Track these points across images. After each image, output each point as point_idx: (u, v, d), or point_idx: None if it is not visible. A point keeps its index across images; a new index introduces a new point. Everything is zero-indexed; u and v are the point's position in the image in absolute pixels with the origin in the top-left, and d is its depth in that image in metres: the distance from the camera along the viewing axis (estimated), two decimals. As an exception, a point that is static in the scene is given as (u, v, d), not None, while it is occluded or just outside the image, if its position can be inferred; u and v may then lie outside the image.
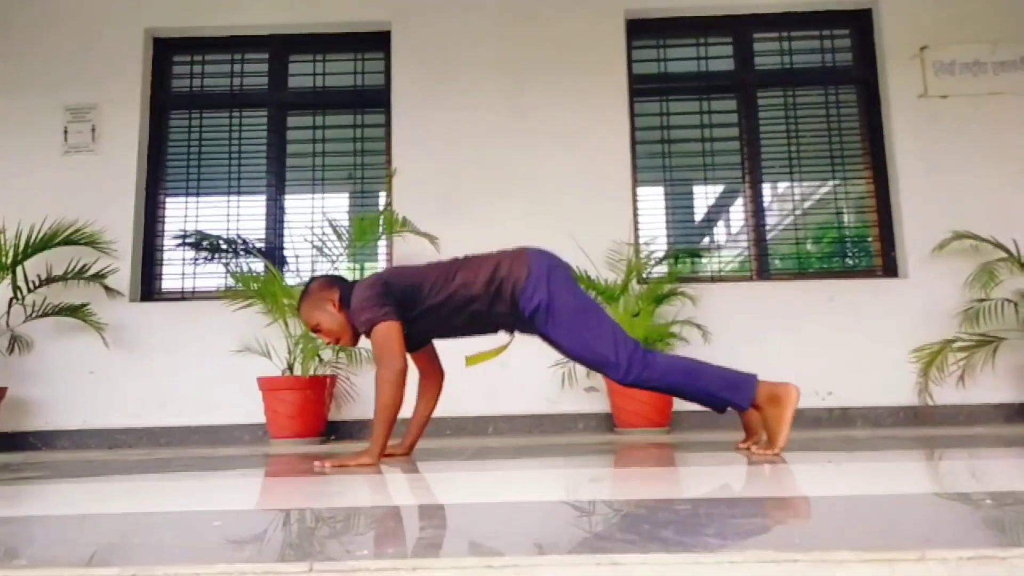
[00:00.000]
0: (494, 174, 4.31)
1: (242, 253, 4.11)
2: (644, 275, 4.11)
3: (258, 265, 4.15)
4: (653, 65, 4.62)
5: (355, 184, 4.63)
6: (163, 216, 4.52)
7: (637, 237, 4.30)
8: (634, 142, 4.42)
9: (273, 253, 4.36)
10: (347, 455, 2.34)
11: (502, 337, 2.53)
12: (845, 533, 1.07)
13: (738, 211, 4.58)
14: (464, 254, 2.48)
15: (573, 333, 2.30)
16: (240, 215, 4.52)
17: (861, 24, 4.56)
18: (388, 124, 4.48)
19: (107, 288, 4.13)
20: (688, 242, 4.57)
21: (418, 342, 2.53)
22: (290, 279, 4.16)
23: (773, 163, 4.51)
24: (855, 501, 1.41)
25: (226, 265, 4.14)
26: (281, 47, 4.66)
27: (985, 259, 4.03)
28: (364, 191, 4.64)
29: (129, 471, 2.43)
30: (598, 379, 3.92)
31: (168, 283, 4.44)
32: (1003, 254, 3.97)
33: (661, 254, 4.23)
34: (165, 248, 4.46)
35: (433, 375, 2.63)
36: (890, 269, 4.31)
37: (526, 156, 4.32)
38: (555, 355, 3.24)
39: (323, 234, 4.09)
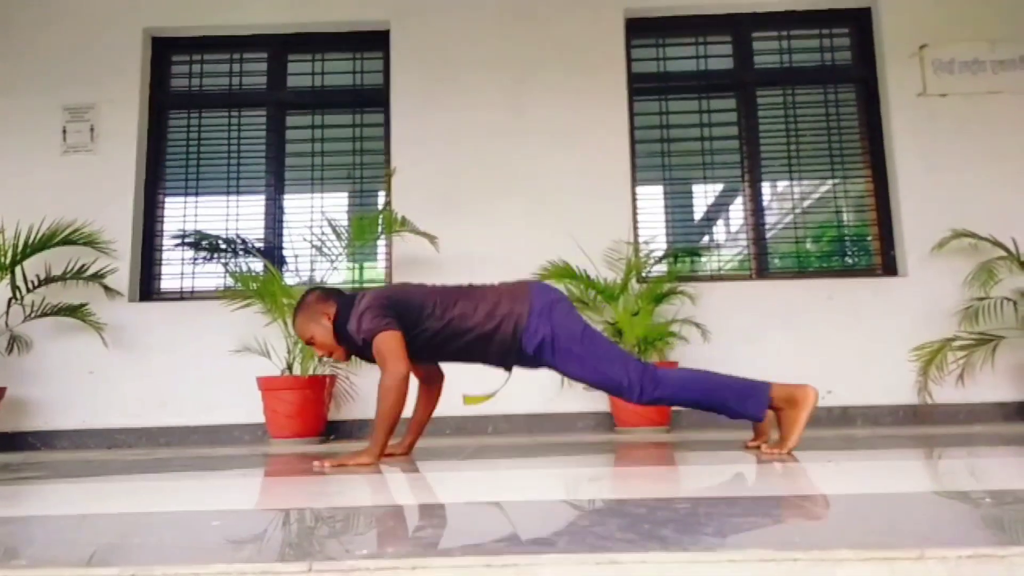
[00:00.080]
0: (493, 173, 4.31)
1: (241, 253, 4.11)
2: (643, 274, 4.11)
3: (257, 265, 4.15)
4: (652, 64, 4.62)
5: (354, 184, 4.63)
6: (162, 216, 4.52)
7: (636, 236, 4.30)
8: (633, 141, 4.42)
9: (272, 253, 4.35)
10: (346, 455, 2.34)
11: (500, 374, 2.52)
12: (844, 532, 1.07)
13: (737, 210, 4.58)
14: (468, 282, 2.50)
15: (582, 362, 2.33)
16: (239, 215, 4.52)
17: (860, 23, 4.56)
18: (387, 124, 4.48)
19: (106, 288, 4.13)
20: (687, 241, 4.57)
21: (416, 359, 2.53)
22: (289, 279, 4.16)
23: (772, 162, 4.51)
24: (854, 500, 1.41)
25: (225, 265, 4.14)
26: (280, 47, 4.66)
27: (984, 258, 4.03)
28: (363, 191, 4.64)
29: (128, 471, 2.43)
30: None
31: (167, 283, 4.44)
32: (1002, 252, 3.97)
33: (660, 253, 4.23)
34: (164, 248, 4.46)
35: (433, 378, 2.65)
36: (889, 268, 4.31)
37: (525, 155, 4.32)
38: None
39: (322, 234, 4.08)
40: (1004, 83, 4.31)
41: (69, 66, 4.45)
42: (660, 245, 4.40)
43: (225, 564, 0.86)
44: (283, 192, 4.57)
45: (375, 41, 4.60)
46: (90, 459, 3.10)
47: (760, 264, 4.41)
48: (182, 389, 4.10)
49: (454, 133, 4.36)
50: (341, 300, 2.45)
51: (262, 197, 4.55)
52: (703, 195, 4.64)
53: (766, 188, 4.54)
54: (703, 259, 4.48)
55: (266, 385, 3.77)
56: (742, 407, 2.31)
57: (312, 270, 4.23)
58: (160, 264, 4.46)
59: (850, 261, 4.55)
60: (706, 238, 4.72)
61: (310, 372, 3.84)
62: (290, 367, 3.87)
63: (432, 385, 2.64)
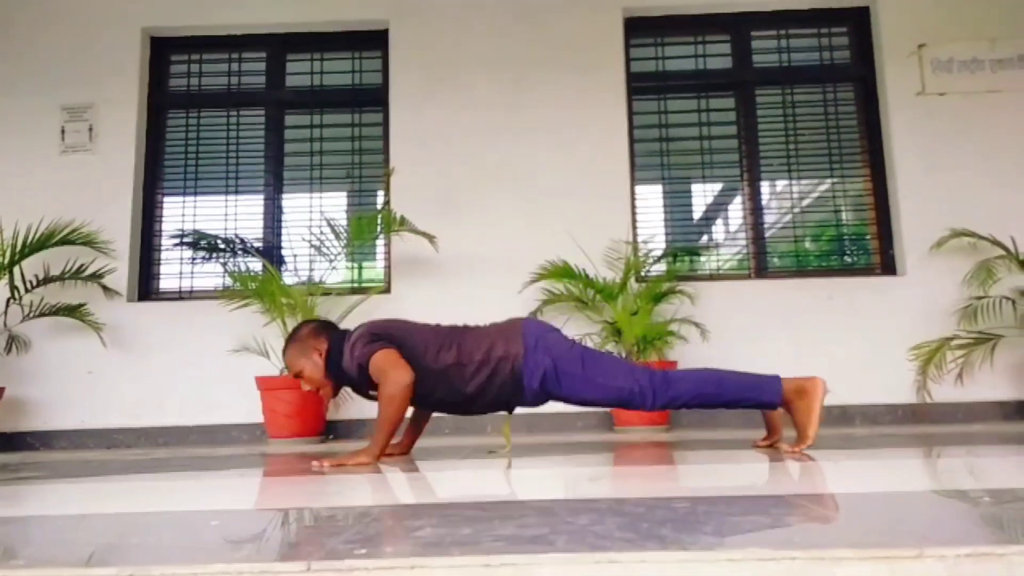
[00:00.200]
0: (492, 173, 4.31)
1: (240, 252, 4.11)
2: (642, 273, 4.11)
3: (256, 264, 4.15)
4: (651, 63, 4.62)
5: (353, 183, 4.63)
6: (161, 216, 4.51)
7: (635, 235, 4.30)
8: (632, 140, 4.42)
9: (271, 252, 4.35)
10: (345, 454, 2.34)
11: (501, 415, 2.54)
12: (843, 531, 1.07)
13: (736, 209, 4.58)
14: (463, 323, 2.50)
15: (589, 382, 2.32)
16: (238, 214, 4.52)
17: (859, 22, 4.56)
18: (386, 123, 4.48)
19: (105, 288, 4.13)
20: (686, 240, 4.57)
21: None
22: (288, 278, 4.16)
23: (771, 161, 4.52)
24: (854, 499, 1.41)
25: (224, 264, 4.13)
26: (279, 46, 4.65)
27: (983, 257, 4.03)
28: (362, 190, 4.64)
29: (127, 471, 2.43)
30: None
31: (166, 283, 4.44)
32: (1001, 252, 3.97)
33: (659, 252, 4.23)
34: (163, 248, 4.46)
35: (422, 415, 2.68)
36: (888, 267, 4.31)
37: (524, 155, 4.32)
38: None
39: (321, 233, 4.08)
40: (1003, 82, 4.31)
41: (68, 66, 4.44)
42: (659, 244, 4.40)
43: (224, 564, 0.86)
44: (282, 192, 4.57)
45: (374, 41, 4.59)
46: (89, 459, 3.10)
47: (759, 263, 4.41)
48: (181, 389, 4.09)
49: (453, 132, 4.35)
50: (334, 335, 2.44)
51: (261, 197, 4.54)
52: (702, 194, 4.64)
53: (765, 187, 4.54)
54: (702, 258, 4.47)
55: (265, 385, 3.77)
56: (759, 395, 2.28)
57: (311, 270, 4.23)
58: (159, 264, 4.46)
59: (849, 260, 4.55)
60: (705, 237, 4.72)
61: (309, 372, 3.83)
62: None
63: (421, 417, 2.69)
